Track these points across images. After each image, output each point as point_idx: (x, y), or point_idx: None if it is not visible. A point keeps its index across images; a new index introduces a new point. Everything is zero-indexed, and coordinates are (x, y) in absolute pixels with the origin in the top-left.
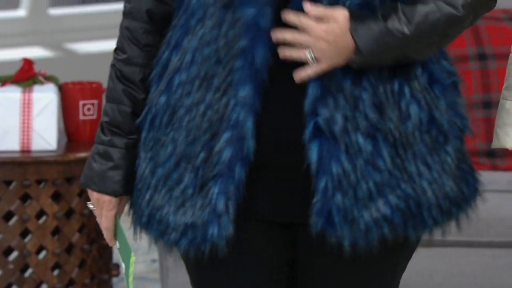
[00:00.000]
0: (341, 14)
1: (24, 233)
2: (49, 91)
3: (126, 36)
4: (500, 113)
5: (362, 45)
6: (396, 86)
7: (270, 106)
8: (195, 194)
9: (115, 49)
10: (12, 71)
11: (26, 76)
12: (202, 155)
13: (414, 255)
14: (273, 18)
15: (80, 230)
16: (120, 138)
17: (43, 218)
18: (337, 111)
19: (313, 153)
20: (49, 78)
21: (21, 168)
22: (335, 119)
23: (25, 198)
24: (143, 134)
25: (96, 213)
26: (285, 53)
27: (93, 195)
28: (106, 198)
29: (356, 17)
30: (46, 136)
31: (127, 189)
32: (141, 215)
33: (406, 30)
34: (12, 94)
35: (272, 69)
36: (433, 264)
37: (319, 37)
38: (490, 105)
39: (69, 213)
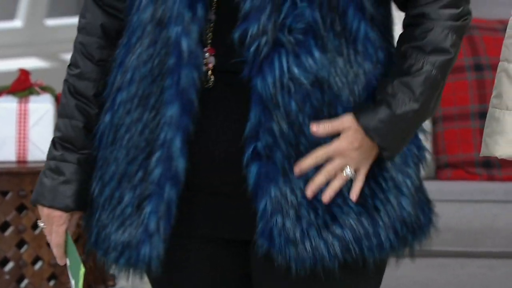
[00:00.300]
0: (347, 120)
1: (20, 243)
2: (46, 101)
3: (80, 51)
4: (489, 121)
5: (381, 142)
6: (339, 110)
7: (204, 127)
8: (133, 213)
9: (69, 65)
10: (8, 82)
11: (22, 86)
12: (139, 174)
13: (412, 265)
14: (198, 36)
15: (76, 241)
16: (72, 154)
17: (39, 229)
18: (279, 137)
19: (252, 176)
20: (45, 89)
21: (17, 178)
22: (276, 145)
23: (21, 208)
24: (95, 153)
25: (45, 230)
26: (331, 194)
27: (43, 211)
28: (57, 213)
29: (362, 116)
30: (43, 146)
31: (79, 204)
32: (91, 234)
33: (415, 106)
34: (8, 104)
35: (207, 89)
36: (430, 274)
37: (347, 151)
38: (486, 116)
39: None
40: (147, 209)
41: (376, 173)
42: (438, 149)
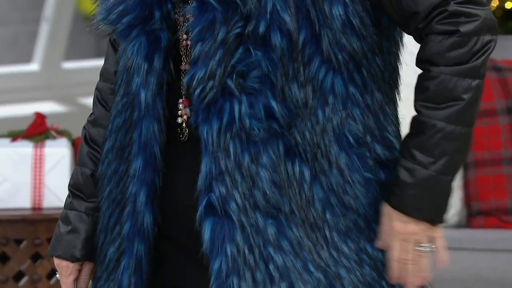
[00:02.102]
0: (388, 219)
1: None
2: (62, 146)
3: (96, 97)
4: None
5: (420, 216)
6: (296, 167)
7: (169, 178)
8: (115, 267)
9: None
10: (24, 126)
11: (38, 130)
12: (117, 228)
13: None
14: (157, 88)
15: None
16: (80, 201)
17: (54, 279)
18: (233, 188)
19: (206, 233)
20: (61, 133)
21: (32, 226)
22: (230, 197)
23: (36, 257)
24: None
25: (61, 281)
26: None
27: (55, 261)
28: (64, 263)
29: (392, 199)
30: (59, 192)
31: (87, 254)
32: (94, 286)
33: (437, 167)
34: (24, 149)
35: (170, 143)
36: None
37: (405, 243)
38: None
39: None
40: (122, 264)
41: (337, 238)
42: (469, 196)
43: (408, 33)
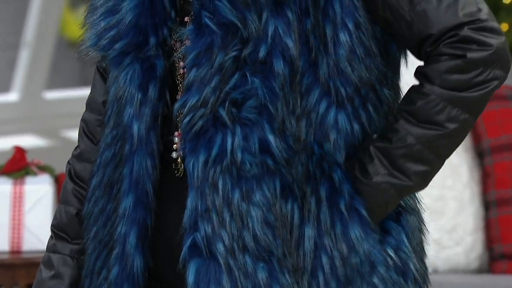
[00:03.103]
0: None
1: None
2: (43, 182)
3: (82, 129)
4: None
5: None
6: (289, 205)
7: (161, 219)
8: None
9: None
10: (2, 162)
11: (17, 166)
12: (104, 272)
13: None
14: (151, 120)
15: None
16: (64, 243)
17: None
18: (220, 228)
19: (190, 276)
20: (43, 169)
21: (11, 271)
22: (217, 237)
23: None
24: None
25: None
26: None
27: None
28: None
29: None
30: (40, 234)
31: None
32: None
33: (390, 180)
34: (2, 186)
35: (164, 179)
36: None
37: None
38: None
39: None
40: None
41: (335, 285)
42: (491, 238)
43: (418, 57)
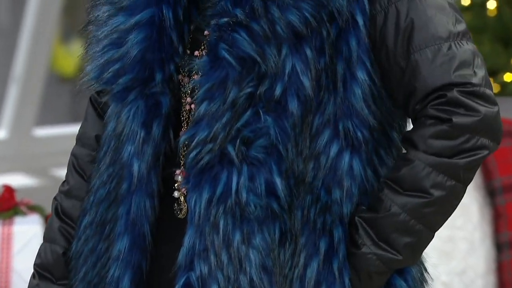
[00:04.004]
0: None
1: None
2: (33, 223)
3: (72, 165)
4: None
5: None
6: (288, 252)
7: (156, 261)
8: None
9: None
10: None
11: (6, 206)
12: None
13: None
14: (153, 159)
15: None
16: (48, 284)
17: None
18: (217, 269)
19: None
20: (33, 208)
21: None
22: (212, 279)
23: None
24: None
25: None
26: None
27: None
28: None
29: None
30: (29, 277)
31: None
32: None
33: (376, 251)
34: None
35: (162, 220)
36: None
37: None
38: None
39: None
40: None
41: None
42: (504, 281)
43: (406, 114)
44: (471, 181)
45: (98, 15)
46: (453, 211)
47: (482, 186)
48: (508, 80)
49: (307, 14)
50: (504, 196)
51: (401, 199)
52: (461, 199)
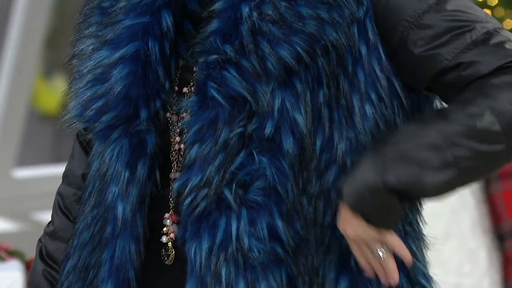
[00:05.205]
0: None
1: None
2: (13, 269)
3: (57, 204)
4: None
5: (354, 205)
6: None
7: None
8: None
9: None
10: None
11: None
12: None
13: None
14: (138, 201)
15: None
16: None
17: None
18: None
19: None
20: (13, 254)
21: None
22: None
23: None
24: None
25: None
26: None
27: None
28: None
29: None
30: None
31: None
32: None
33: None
34: None
35: (149, 266)
36: None
37: (358, 237)
38: None
39: None
40: None
41: None
42: None
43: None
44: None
45: (82, 49)
46: (485, 173)
47: (490, 230)
48: None
49: (299, 49)
50: None
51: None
52: (496, 167)
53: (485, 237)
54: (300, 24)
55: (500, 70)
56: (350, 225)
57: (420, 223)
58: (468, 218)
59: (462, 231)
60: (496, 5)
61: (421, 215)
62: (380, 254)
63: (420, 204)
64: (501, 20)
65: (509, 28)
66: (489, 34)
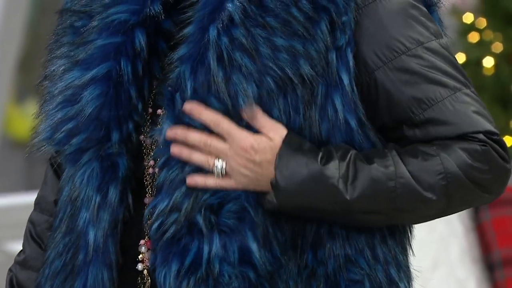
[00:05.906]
0: (277, 134)
1: None
2: None
3: (29, 232)
4: None
5: (281, 180)
6: None
7: None
8: None
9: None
10: None
11: None
12: None
13: None
14: (110, 226)
15: None
16: None
17: None
18: None
19: None
20: None
21: None
22: None
23: None
24: None
25: None
26: (183, 153)
27: None
28: None
29: (290, 144)
30: None
31: None
32: None
33: (341, 187)
34: None
35: None
36: None
37: (243, 150)
38: None
39: None
40: None
41: None
42: None
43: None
44: (452, 213)
45: (54, 70)
46: (416, 217)
47: (480, 260)
48: (508, 145)
49: (271, 83)
50: (503, 270)
51: (405, 168)
52: (427, 218)
53: (475, 266)
54: (274, 58)
55: (465, 137)
56: (259, 150)
57: (407, 252)
58: (457, 247)
59: (450, 259)
60: (484, 28)
61: (410, 245)
62: (219, 168)
63: (407, 232)
64: (489, 43)
65: (498, 51)
66: (463, 95)
